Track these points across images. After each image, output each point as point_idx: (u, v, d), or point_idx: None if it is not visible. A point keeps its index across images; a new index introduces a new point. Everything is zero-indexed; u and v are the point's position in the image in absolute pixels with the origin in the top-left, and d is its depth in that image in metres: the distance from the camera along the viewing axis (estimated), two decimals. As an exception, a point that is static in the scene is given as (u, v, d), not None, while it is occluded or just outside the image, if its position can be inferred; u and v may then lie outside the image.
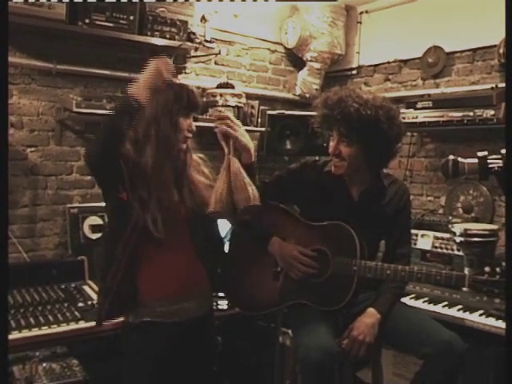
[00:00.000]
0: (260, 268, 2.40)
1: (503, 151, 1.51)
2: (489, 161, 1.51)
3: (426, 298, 2.81)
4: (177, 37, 3.30)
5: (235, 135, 2.02)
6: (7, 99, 2.82)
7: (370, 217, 2.31)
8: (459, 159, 1.56)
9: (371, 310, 2.26)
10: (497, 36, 3.20)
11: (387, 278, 2.18)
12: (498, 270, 1.99)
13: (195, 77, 3.75)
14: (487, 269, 2.01)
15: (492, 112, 2.98)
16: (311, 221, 2.36)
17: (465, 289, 2.16)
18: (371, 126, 2.11)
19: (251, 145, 2.10)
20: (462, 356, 2.05)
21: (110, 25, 3.04)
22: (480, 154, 1.53)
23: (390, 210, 2.36)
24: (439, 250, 3.19)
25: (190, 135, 2.05)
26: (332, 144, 2.23)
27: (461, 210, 3.46)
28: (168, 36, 3.27)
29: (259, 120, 3.94)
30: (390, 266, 2.18)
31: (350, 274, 2.22)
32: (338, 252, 2.26)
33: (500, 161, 1.50)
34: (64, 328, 2.36)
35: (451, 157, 1.59)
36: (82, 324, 2.41)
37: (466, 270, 2.88)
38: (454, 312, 2.62)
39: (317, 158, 3.58)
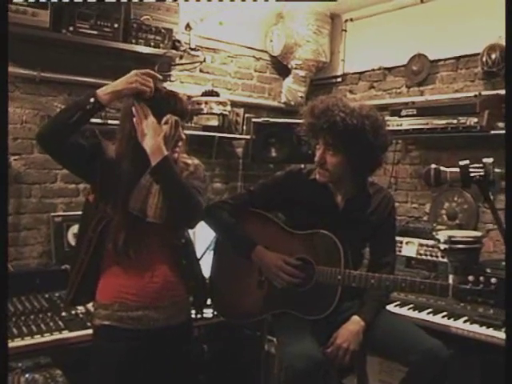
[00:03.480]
0: (244, 277, 2.40)
1: (485, 160, 1.53)
2: (470, 169, 1.52)
3: (411, 305, 2.81)
4: (161, 45, 3.30)
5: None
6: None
7: (354, 225, 2.32)
8: (441, 168, 1.57)
9: (356, 317, 2.26)
10: (480, 44, 3.24)
11: (371, 286, 2.19)
12: (481, 278, 2.00)
13: (180, 84, 3.75)
14: (471, 278, 2.01)
15: (475, 120, 3.01)
16: (296, 229, 2.36)
17: (448, 297, 2.17)
18: (357, 135, 2.12)
19: None
20: (446, 363, 2.06)
21: (94, 32, 3.04)
22: (462, 162, 1.55)
23: (375, 218, 2.36)
24: (424, 257, 3.20)
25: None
26: (318, 152, 2.23)
27: (445, 217, 3.48)
28: (153, 44, 3.27)
29: (244, 128, 3.96)
30: (374, 275, 2.18)
31: (335, 283, 2.22)
32: (323, 261, 2.26)
33: (481, 169, 1.51)
34: (47, 338, 2.34)
35: (433, 166, 1.60)
36: (66, 334, 2.39)
37: (451, 277, 2.90)
38: (438, 319, 2.62)
39: (302, 166, 3.61)
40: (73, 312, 2.59)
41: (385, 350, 2.26)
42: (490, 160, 1.53)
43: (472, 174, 1.51)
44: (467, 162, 1.53)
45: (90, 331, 2.33)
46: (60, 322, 2.47)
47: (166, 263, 2.10)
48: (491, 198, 1.54)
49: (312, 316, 2.25)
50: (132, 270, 2.03)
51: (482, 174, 1.50)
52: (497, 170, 1.53)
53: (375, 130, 2.15)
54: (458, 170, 1.56)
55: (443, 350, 2.08)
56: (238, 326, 3.10)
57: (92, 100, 1.89)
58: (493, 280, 1.99)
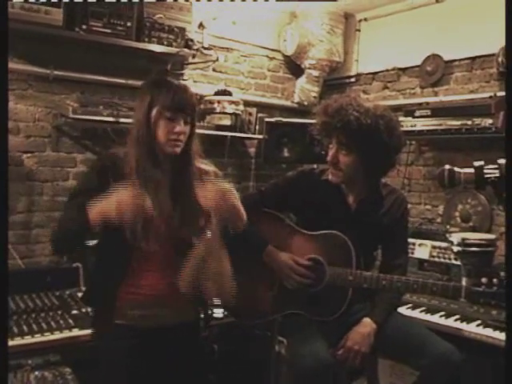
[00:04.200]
0: (255, 277, 2.38)
1: (500, 161, 1.50)
2: (485, 171, 1.49)
3: (424, 308, 2.78)
4: (174, 43, 3.29)
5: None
6: (7, 106, 2.80)
7: (366, 226, 2.30)
8: (455, 169, 1.54)
9: (367, 319, 2.24)
10: (496, 44, 3.18)
11: (383, 288, 2.17)
12: (495, 281, 1.98)
13: (193, 84, 3.73)
14: (484, 280, 1.99)
15: (490, 121, 2.97)
16: (307, 229, 2.35)
17: (461, 299, 2.14)
18: (371, 135, 2.10)
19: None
20: (458, 367, 2.03)
21: (108, 31, 3.03)
22: (476, 163, 1.51)
23: (388, 219, 2.34)
24: (436, 260, 3.17)
25: (179, 138, 1.94)
26: (330, 152, 2.21)
27: (459, 219, 3.44)
28: (166, 43, 3.26)
29: (257, 127, 3.93)
30: (385, 276, 2.16)
31: (346, 284, 2.20)
32: (334, 262, 2.24)
33: (497, 171, 1.48)
34: (57, 336, 2.34)
35: (447, 166, 1.57)
36: (76, 332, 2.39)
37: (464, 280, 2.86)
38: (451, 322, 2.59)
39: (314, 166, 3.58)
40: (83, 310, 2.59)
41: (396, 353, 2.23)
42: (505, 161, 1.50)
43: (487, 176, 1.48)
44: (482, 162, 1.50)
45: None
46: (70, 320, 2.47)
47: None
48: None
49: (323, 317, 2.24)
50: (144, 272, 2.00)
51: (497, 175, 1.47)
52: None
53: (389, 130, 2.12)
54: (472, 170, 1.53)
55: (455, 354, 2.06)
56: (248, 326, 3.08)
57: (85, 220, 1.82)
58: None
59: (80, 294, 2.82)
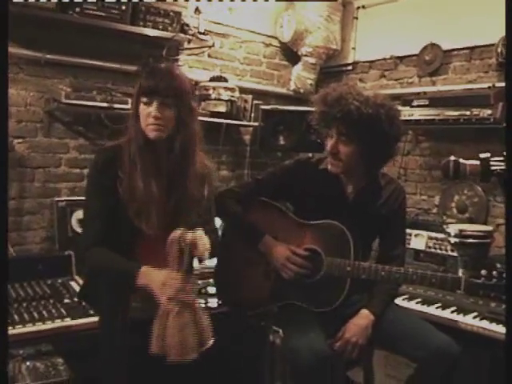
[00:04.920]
0: (251, 266, 2.37)
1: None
2: (491, 162, 1.46)
3: (420, 299, 2.76)
4: (170, 28, 3.24)
5: None
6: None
7: (364, 216, 2.27)
8: (461, 160, 1.51)
9: (364, 311, 2.22)
10: (495, 34, 3.15)
11: (381, 279, 2.14)
12: (494, 273, 1.96)
13: (188, 69, 3.67)
14: (484, 272, 1.97)
15: (489, 112, 2.94)
16: (305, 219, 2.32)
17: (459, 291, 2.12)
18: (372, 124, 2.06)
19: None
20: (456, 360, 2.01)
21: (102, 14, 2.97)
22: (482, 155, 1.48)
23: (386, 210, 2.32)
24: (433, 250, 3.15)
25: (157, 122, 1.93)
26: (330, 142, 2.17)
27: (455, 210, 3.42)
28: (161, 27, 3.20)
29: (252, 115, 3.88)
30: (384, 267, 2.13)
31: (344, 274, 2.17)
32: (332, 252, 2.22)
33: (502, 163, 1.45)
34: (49, 325, 2.29)
35: (452, 158, 1.54)
36: (68, 321, 2.34)
37: (460, 271, 2.84)
38: (447, 314, 2.57)
39: (310, 155, 3.55)
40: (75, 299, 2.54)
41: (393, 345, 2.21)
42: (512, 153, 1.47)
43: (493, 168, 1.45)
44: (488, 154, 1.47)
45: (92, 319, 2.30)
46: (62, 310, 2.42)
47: None
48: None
49: (320, 308, 2.21)
50: (149, 257, 1.97)
51: (503, 167, 1.44)
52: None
53: (390, 120, 2.09)
54: (477, 162, 1.49)
55: (453, 346, 2.04)
56: (242, 316, 3.06)
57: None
58: (505, 275, 1.95)
59: (73, 283, 2.79)
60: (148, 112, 1.93)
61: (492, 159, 1.46)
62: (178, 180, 2.02)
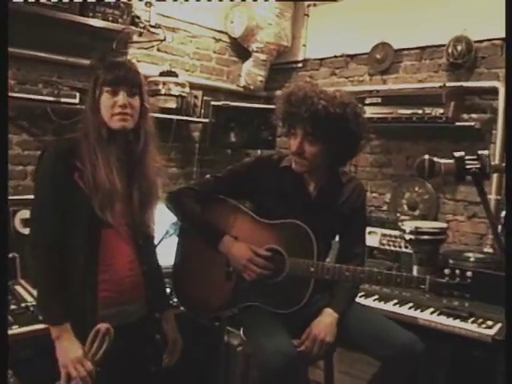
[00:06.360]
0: (211, 267, 2.30)
1: (480, 152, 1.48)
2: (466, 162, 1.46)
3: (376, 296, 2.78)
4: (120, 20, 3.11)
5: None
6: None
7: (326, 214, 2.25)
8: (435, 159, 1.51)
9: (328, 309, 2.20)
10: (445, 35, 3.23)
11: (346, 279, 2.12)
12: (457, 272, 1.98)
13: (136, 63, 3.55)
14: (447, 271, 1.99)
15: (441, 110, 3.01)
16: (266, 218, 2.27)
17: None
18: (339, 123, 2.04)
19: None
20: (421, 357, 2.03)
21: (48, 3, 2.81)
22: (457, 154, 1.48)
23: (347, 208, 2.31)
24: (386, 247, 3.18)
25: (125, 111, 1.90)
26: (295, 141, 2.12)
27: (406, 207, 3.48)
28: (111, 18, 3.07)
29: (202, 111, 3.81)
30: (348, 267, 2.12)
31: (307, 275, 2.14)
32: (294, 252, 2.18)
33: (477, 162, 1.46)
34: (-6, 334, 2.15)
35: (427, 156, 1.53)
36: (16, 329, 2.19)
37: (415, 268, 2.89)
38: (405, 310, 2.59)
39: (272, 152, 3.52)
40: (22, 305, 2.40)
41: (357, 344, 2.20)
42: (486, 152, 1.48)
43: (468, 167, 1.45)
44: (463, 153, 1.47)
45: (42, 326, 2.17)
46: (9, 317, 2.27)
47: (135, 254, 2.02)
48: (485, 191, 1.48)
49: (283, 309, 2.17)
50: (109, 263, 1.94)
51: (478, 166, 1.45)
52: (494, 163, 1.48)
53: (356, 118, 2.08)
54: (452, 161, 1.49)
55: (418, 344, 2.05)
56: (199, 317, 2.99)
57: None
58: (468, 273, 1.98)
59: (18, 287, 2.64)
60: (114, 102, 1.89)
61: (467, 158, 1.46)
62: (140, 169, 2.01)
